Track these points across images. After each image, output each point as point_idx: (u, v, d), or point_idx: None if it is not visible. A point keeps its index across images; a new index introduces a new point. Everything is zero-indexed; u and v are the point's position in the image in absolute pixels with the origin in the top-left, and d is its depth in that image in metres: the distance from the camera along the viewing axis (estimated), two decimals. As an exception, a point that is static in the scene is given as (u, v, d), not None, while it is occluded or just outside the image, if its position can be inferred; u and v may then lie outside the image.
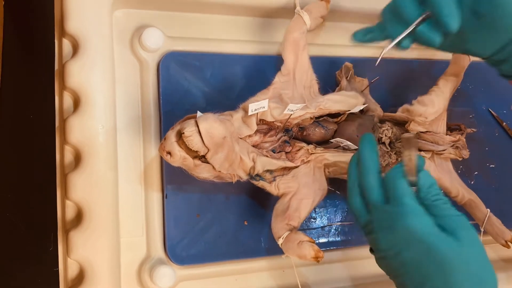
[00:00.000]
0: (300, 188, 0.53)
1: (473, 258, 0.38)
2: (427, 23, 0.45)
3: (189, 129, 0.45)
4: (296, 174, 0.53)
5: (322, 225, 0.60)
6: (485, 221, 0.60)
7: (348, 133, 0.55)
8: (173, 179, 0.54)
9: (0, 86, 0.52)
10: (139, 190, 0.55)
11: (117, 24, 0.56)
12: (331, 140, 0.54)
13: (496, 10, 0.43)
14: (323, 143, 0.56)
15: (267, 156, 0.52)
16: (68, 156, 0.52)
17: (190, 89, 0.57)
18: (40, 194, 0.52)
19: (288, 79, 0.55)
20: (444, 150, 0.60)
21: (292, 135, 0.54)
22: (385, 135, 0.57)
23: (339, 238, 0.60)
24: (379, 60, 0.50)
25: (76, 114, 0.50)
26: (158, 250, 0.54)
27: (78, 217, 0.50)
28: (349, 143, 0.53)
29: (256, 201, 0.57)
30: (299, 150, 0.54)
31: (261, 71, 0.60)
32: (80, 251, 0.48)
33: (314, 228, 0.59)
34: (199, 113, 0.47)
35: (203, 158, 0.48)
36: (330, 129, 0.56)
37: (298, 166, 0.53)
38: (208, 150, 0.46)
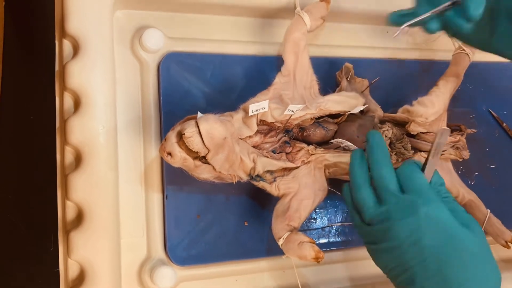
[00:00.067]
0: (301, 188, 0.53)
1: (486, 250, 0.41)
2: (457, 9, 0.45)
3: (190, 130, 0.45)
4: (296, 174, 0.53)
5: (322, 225, 0.60)
6: (485, 221, 0.60)
7: (349, 134, 0.55)
8: (173, 179, 0.54)
9: (0, 87, 0.52)
10: (139, 190, 0.55)
11: (118, 24, 0.56)
12: (332, 141, 0.54)
13: None
14: (324, 143, 0.56)
15: (267, 157, 0.52)
16: (69, 157, 0.52)
17: (190, 89, 0.57)
18: (40, 194, 0.52)
19: (289, 80, 0.55)
20: (444, 151, 0.60)
21: (292, 136, 0.54)
22: (386, 136, 0.57)
23: (339, 239, 0.60)
24: (398, 32, 0.50)
25: (77, 114, 0.50)
26: (159, 251, 0.54)
27: (79, 218, 0.50)
28: (349, 143, 0.53)
29: (257, 201, 0.57)
30: (299, 150, 0.54)
31: (261, 72, 0.60)
32: (81, 251, 0.48)
33: (315, 229, 0.59)
34: (199, 114, 0.47)
35: (203, 159, 0.48)
36: (330, 129, 0.56)
37: (299, 166, 0.53)
38: (209, 151, 0.46)
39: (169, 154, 0.46)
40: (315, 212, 0.59)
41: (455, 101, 0.65)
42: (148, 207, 0.54)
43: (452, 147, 0.61)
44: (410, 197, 0.42)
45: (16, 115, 0.53)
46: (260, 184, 0.52)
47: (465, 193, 0.61)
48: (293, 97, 0.55)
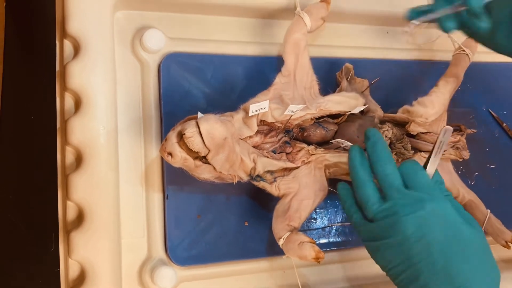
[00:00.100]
0: (301, 189, 0.53)
1: (487, 247, 0.42)
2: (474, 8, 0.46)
3: (190, 130, 0.45)
4: (296, 175, 0.53)
5: (322, 225, 0.60)
6: (485, 221, 0.60)
7: (349, 134, 0.55)
8: (174, 180, 0.54)
9: (1, 87, 0.52)
10: (140, 191, 0.55)
11: (118, 25, 0.56)
12: (332, 141, 0.54)
13: None
14: (324, 144, 0.56)
15: (267, 157, 0.52)
16: (69, 157, 0.52)
17: (191, 90, 0.57)
18: (41, 194, 0.52)
19: (289, 80, 0.55)
20: (444, 151, 0.60)
21: (292, 136, 0.55)
22: (386, 136, 0.57)
23: (339, 239, 0.60)
24: (409, 26, 0.51)
25: (77, 115, 0.50)
26: (159, 251, 0.54)
27: (79, 218, 0.50)
28: (349, 144, 0.53)
29: (257, 202, 0.57)
30: (299, 151, 0.54)
31: (261, 72, 0.60)
32: (81, 251, 0.48)
33: (315, 229, 0.59)
34: (200, 114, 0.47)
35: (204, 159, 0.48)
36: (330, 130, 0.56)
37: (299, 167, 0.53)
38: (209, 151, 0.46)
39: (170, 154, 0.46)
40: (315, 212, 0.59)
41: (455, 101, 0.65)
42: (149, 207, 0.54)
43: (452, 147, 0.61)
44: (417, 193, 0.42)
45: (17, 115, 0.53)
46: (261, 184, 0.52)
47: (465, 193, 0.61)
48: (293, 98, 0.55)
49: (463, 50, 0.62)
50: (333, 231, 0.60)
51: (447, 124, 0.62)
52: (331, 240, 0.60)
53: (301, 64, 0.56)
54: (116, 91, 0.53)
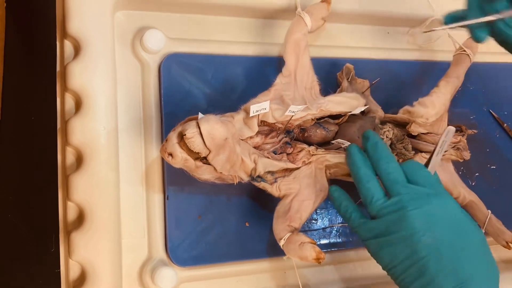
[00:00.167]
0: (302, 189, 0.53)
1: (486, 244, 0.43)
2: (509, 20, 0.46)
3: (191, 131, 0.45)
4: (297, 175, 0.53)
5: (323, 226, 0.60)
6: (486, 222, 0.60)
7: (349, 135, 0.55)
8: (174, 180, 0.54)
9: (2, 87, 0.52)
10: (140, 191, 0.55)
11: (119, 25, 0.56)
12: (332, 142, 0.54)
13: None
14: (324, 144, 0.56)
15: (268, 158, 0.52)
16: (70, 158, 0.52)
17: (191, 90, 0.57)
18: (41, 195, 0.52)
19: (289, 81, 0.55)
20: (445, 151, 0.60)
21: (293, 137, 0.54)
22: (386, 136, 0.57)
23: (340, 240, 0.60)
24: (440, 28, 0.53)
25: (78, 115, 0.50)
26: (160, 252, 0.54)
27: (80, 218, 0.50)
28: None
29: (257, 202, 0.57)
30: (300, 151, 0.54)
31: (262, 73, 0.60)
32: (82, 252, 0.48)
33: (316, 230, 0.59)
34: (200, 115, 0.47)
35: (204, 160, 0.48)
36: (331, 130, 0.56)
37: (300, 167, 0.53)
38: (210, 151, 0.46)
39: (170, 154, 0.46)
40: (316, 212, 0.59)
41: (456, 101, 0.65)
42: (149, 207, 0.54)
43: (453, 147, 0.61)
44: (423, 188, 0.43)
45: (17, 116, 0.53)
46: (261, 184, 0.52)
47: (466, 194, 0.61)
48: (294, 98, 0.55)
49: (464, 51, 0.62)
50: (333, 231, 0.60)
51: (448, 125, 0.62)
52: (332, 240, 0.60)
53: (301, 65, 0.56)
54: (117, 92, 0.53)
